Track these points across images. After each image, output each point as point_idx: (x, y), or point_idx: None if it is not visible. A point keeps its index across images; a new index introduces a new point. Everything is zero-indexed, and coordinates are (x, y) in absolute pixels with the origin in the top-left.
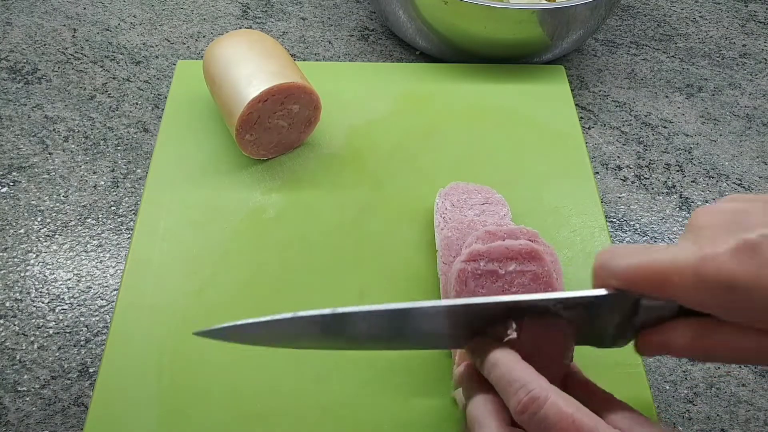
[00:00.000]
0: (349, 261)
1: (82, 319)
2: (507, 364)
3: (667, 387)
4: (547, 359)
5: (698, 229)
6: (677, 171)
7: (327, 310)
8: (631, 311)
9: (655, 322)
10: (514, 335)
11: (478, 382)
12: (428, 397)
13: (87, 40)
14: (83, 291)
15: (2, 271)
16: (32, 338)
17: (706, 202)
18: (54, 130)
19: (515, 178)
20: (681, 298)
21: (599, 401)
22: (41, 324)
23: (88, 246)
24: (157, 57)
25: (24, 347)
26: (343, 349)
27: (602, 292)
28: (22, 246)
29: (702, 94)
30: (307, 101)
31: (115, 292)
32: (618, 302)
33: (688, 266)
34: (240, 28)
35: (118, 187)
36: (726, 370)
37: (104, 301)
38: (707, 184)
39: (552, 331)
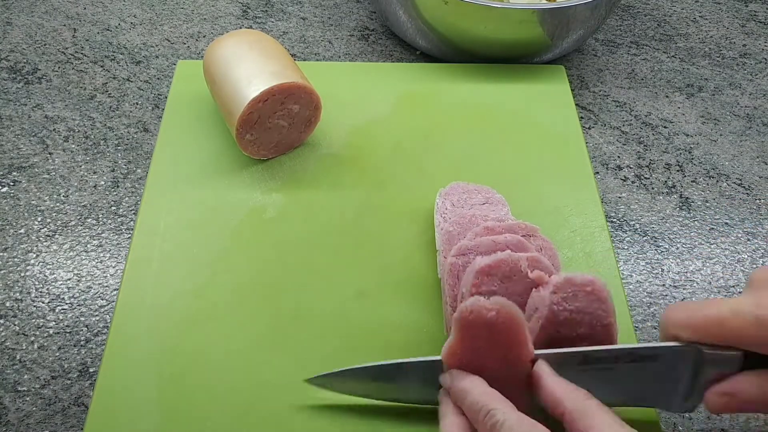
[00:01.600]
0: (349, 261)
1: (82, 319)
2: (474, 391)
3: None
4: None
5: (757, 283)
6: (677, 171)
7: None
8: (696, 366)
9: (721, 379)
10: None
11: (452, 405)
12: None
13: (87, 40)
14: (83, 291)
15: (2, 271)
16: (32, 338)
17: (706, 202)
18: (54, 130)
19: (515, 178)
20: (742, 340)
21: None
22: (41, 324)
23: (88, 246)
24: (157, 57)
25: (24, 347)
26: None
27: (668, 343)
28: (22, 246)
29: (702, 94)
30: (307, 101)
31: (115, 292)
32: (683, 354)
33: (748, 311)
34: (240, 28)
35: (118, 187)
36: None
37: (104, 301)
38: (707, 184)
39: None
